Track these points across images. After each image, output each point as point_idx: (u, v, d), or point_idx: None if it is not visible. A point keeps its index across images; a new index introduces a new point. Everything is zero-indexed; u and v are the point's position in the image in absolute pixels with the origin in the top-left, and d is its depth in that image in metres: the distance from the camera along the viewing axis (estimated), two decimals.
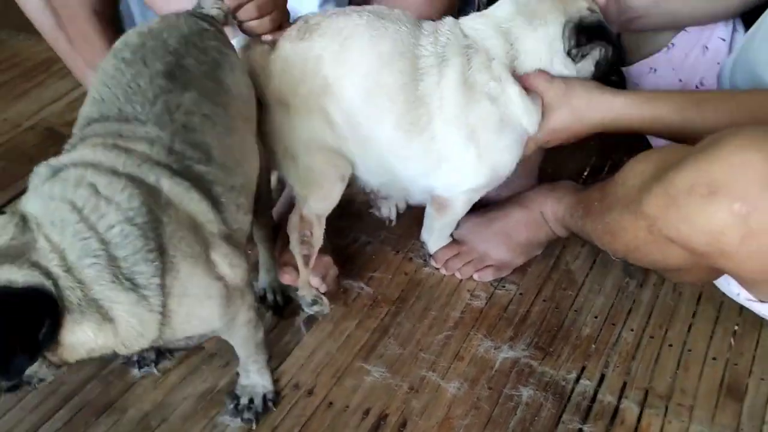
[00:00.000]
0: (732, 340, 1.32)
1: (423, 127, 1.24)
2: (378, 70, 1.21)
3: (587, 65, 1.26)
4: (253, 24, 1.19)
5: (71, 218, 0.82)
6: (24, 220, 0.82)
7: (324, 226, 1.34)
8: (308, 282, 1.34)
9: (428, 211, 1.42)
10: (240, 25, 1.20)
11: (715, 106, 1.16)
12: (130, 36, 1.05)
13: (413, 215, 1.55)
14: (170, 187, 0.89)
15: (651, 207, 1.01)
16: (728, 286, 1.20)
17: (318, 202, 1.31)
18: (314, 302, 1.35)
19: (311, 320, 1.36)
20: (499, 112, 1.24)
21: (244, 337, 1.08)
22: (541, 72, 1.24)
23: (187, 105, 0.98)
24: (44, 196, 0.85)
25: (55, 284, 0.79)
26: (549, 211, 1.41)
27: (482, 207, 1.45)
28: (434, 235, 1.45)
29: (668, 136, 1.23)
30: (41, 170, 0.89)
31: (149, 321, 0.85)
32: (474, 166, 1.28)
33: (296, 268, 1.34)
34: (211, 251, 0.93)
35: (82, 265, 0.81)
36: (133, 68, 0.98)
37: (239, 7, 1.16)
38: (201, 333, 1.00)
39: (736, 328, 1.34)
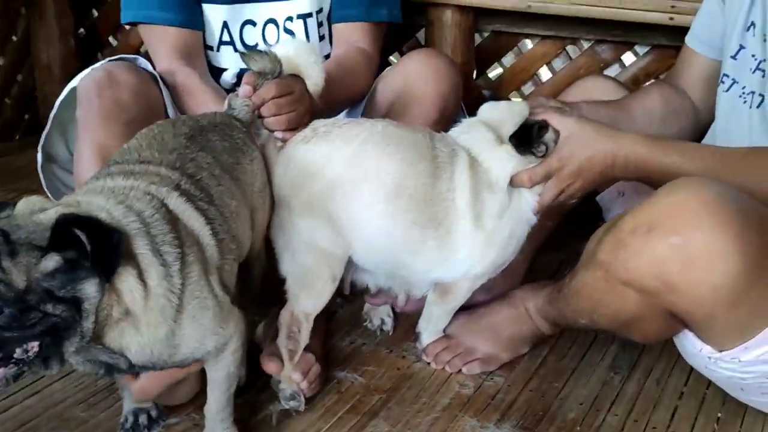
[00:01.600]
0: (715, 425, 1.35)
1: (440, 222, 1.37)
2: (401, 173, 1.36)
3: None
4: (271, 120, 1.38)
5: (116, 205, 1.00)
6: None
7: (311, 325, 1.43)
8: (290, 376, 1.41)
9: (430, 298, 1.51)
10: (262, 121, 1.40)
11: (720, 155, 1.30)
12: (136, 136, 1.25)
13: (408, 322, 1.64)
14: (176, 204, 1.04)
15: (604, 254, 1.13)
16: (692, 348, 1.25)
17: (309, 300, 1.41)
18: (292, 397, 1.40)
19: (285, 414, 1.39)
20: (500, 199, 1.38)
21: (226, 373, 1.15)
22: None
23: (200, 161, 1.15)
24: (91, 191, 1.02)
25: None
26: (532, 305, 1.50)
27: (470, 308, 1.55)
28: (431, 325, 1.53)
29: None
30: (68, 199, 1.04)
31: (167, 310, 0.96)
32: (481, 252, 1.40)
33: (281, 360, 1.41)
34: (208, 273, 1.05)
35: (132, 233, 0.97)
36: (163, 128, 1.17)
37: (262, 104, 1.36)
38: (194, 351, 1.08)
39: (719, 415, 1.38)
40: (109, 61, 1.63)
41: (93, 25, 2.83)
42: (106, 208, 0.98)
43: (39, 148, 1.71)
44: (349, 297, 1.66)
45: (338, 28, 1.80)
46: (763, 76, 1.37)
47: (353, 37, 1.78)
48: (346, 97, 1.69)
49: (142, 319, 0.97)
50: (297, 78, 1.42)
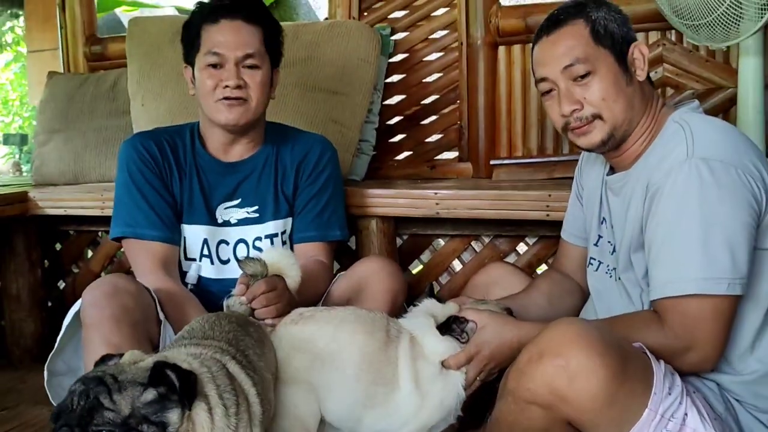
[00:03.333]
0: None
1: (389, 381, 1.72)
2: (365, 342, 1.72)
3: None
4: (262, 311, 1.76)
5: (193, 360, 1.36)
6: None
7: None
8: None
9: None
10: (252, 312, 1.76)
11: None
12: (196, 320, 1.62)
13: None
14: (233, 368, 1.40)
15: (510, 382, 1.51)
16: None
17: None
18: None
19: None
20: (432, 370, 1.74)
21: None
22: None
23: (247, 343, 1.54)
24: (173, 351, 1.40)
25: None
26: None
27: None
28: None
29: None
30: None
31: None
32: (416, 411, 1.72)
33: None
34: (253, 424, 1.38)
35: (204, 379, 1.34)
36: (217, 318, 1.58)
37: (253, 299, 1.75)
38: None
39: None
40: (108, 275, 1.93)
41: (57, 255, 3.14)
42: (187, 361, 1.34)
43: (45, 368, 1.97)
44: None
45: (300, 246, 2.19)
46: (617, 258, 1.78)
47: (312, 252, 2.17)
48: (311, 297, 2.05)
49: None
50: (279, 277, 1.82)
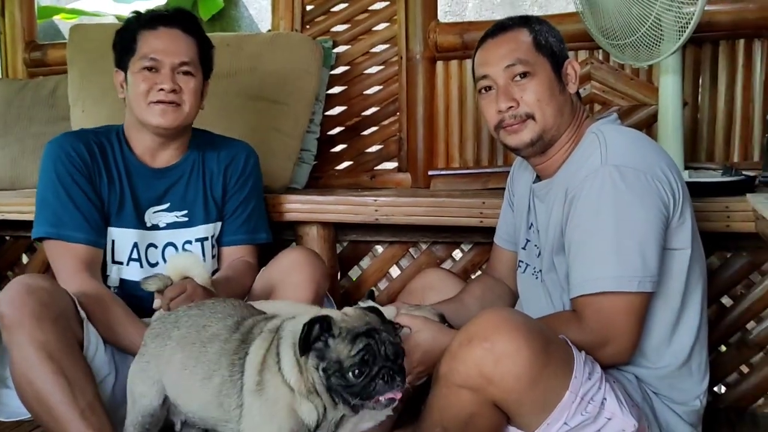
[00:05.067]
0: None
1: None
2: None
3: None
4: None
5: None
6: None
7: None
8: None
9: None
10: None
11: None
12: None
13: None
14: None
15: (443, 367, 1.59)
16: None
17: None
18: None
19: None
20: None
21: None
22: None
23: None
24: None
25: None
26: None
27: None
28: None
29: None
30: None
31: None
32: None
33: None
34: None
35: None
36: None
37: (168, 304, 1.81)
38: None
39: None
40: (20, 276, 1.89)
41: None
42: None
43: None
44: None
45: (228, 249, 2.26)
46: (542, 260, 1.89)
47: (239, 254, 2.25)
48: (237, 293, 2.10)
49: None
50: (188, 278, 1.87)
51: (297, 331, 1.49)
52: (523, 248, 2.01)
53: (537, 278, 1.93)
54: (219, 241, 2.27)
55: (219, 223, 2.25)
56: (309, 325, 1.47)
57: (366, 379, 1.44)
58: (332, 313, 1.52)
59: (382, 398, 1.46)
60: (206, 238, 2.22)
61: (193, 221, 2.21)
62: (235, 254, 2.25)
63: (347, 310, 1.54)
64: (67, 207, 2.06)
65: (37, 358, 1.73)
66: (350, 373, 1.45)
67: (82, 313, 1.89)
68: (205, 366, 1.61)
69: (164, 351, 1.70)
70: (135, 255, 2.16)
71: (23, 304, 1.75)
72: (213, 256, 2.25)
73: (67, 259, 2.04)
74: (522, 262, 2.01)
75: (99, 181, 2.13)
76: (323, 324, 1.47)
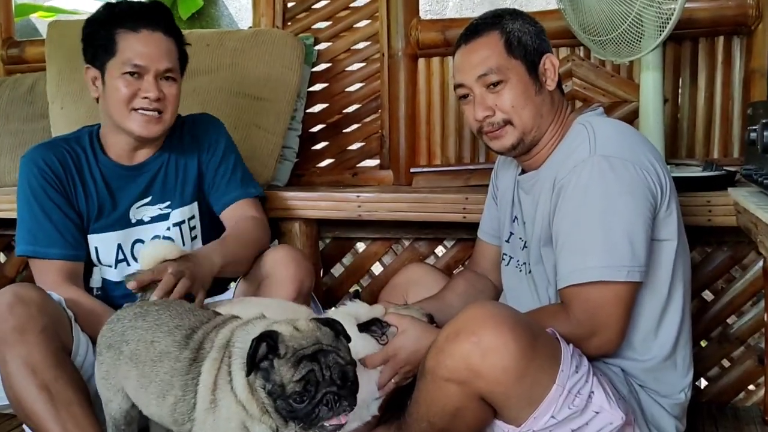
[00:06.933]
0: None
1: None
2: None
3: None
4: (173, 296, 1.79)
5: None
6: None
7: None
8: None
9: None
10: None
11: None
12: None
13: None
14: None
15: (429, 361, 1.58)
16: None
17: None
18: None
19: None
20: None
21: None
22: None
23: None
24: None
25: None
26: None
27: None
28: None
29: None
30: None
31: None
32: None
33: None
34: None
35: None
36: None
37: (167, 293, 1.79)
38: None
39: None
40: (10, 285, 1.87)
41: None
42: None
43: None
44: None
45: (227, 211, 2.21)
46: (528, 253, 1.90)
47: (240, 211, 2.20)
48: (248, 250, 2.10)
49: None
50: (165, 262, 1.82)
51: (247, 348, 1.44)
52: (507, 241, 2.01)
53: (521, 271, 1.94)
54: (215, 211, 2.24)
55: (195, 204, 2.22)
56: (255, 344, 1.41)
57: (309, 406, 1.39)
58: (282, 327, 1.46)
59: (326, 424, 1.41)
60: (183, 222, 2.20)
61: (173, 208, 2.19)
62: (237, 213, 2.20)
63: (299, 323, 1.47)
64: (42, 224, 2.06)
65: (21, 374, 1.74)
66: (291, 400, 1.39)
67: (70, 313, 1.90)
68: (158, 386, 1.58)
69: (119, 365, 1.66)
70: (121, 256, 2.15)
71: (4, 321, 1.75)
72: (193, 238, 2.22)
73: (47, 274, 2.05)
74: (506, 254, 2.02)
75: (74, 192, 2.11)
76: (269, 342, 1.42)
